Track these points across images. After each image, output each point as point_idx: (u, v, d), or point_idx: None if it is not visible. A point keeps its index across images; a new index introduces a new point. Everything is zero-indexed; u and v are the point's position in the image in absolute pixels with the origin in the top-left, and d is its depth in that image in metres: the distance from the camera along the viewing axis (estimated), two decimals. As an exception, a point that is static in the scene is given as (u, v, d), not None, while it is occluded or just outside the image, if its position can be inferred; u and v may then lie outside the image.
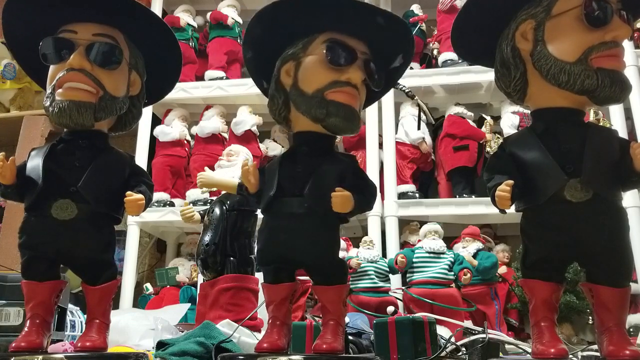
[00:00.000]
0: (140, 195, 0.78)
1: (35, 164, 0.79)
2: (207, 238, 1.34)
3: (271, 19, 0.82)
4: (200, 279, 1.45)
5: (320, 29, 0.81)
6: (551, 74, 0.74)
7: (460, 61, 2.19)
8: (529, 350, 0.79)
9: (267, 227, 0.81)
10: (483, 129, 2.22)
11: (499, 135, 2.18)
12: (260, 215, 0.84)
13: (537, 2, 0.76)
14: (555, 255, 0.73)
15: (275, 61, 0.84)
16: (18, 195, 0.79)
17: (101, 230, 0.80)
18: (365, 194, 0.79)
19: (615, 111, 2.03)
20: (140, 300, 2.20)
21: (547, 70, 0.74)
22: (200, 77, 2.51)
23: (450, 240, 1.99)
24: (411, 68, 2.41)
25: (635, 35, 2.19)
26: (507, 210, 0.73)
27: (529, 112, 0.83)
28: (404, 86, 0.88)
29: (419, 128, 0.98)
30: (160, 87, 0.96)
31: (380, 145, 2.23)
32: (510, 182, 0.70)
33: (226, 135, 2.37)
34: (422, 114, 0.95)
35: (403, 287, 1.76)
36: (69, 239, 0.77)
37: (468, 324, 1.44)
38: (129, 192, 0.78)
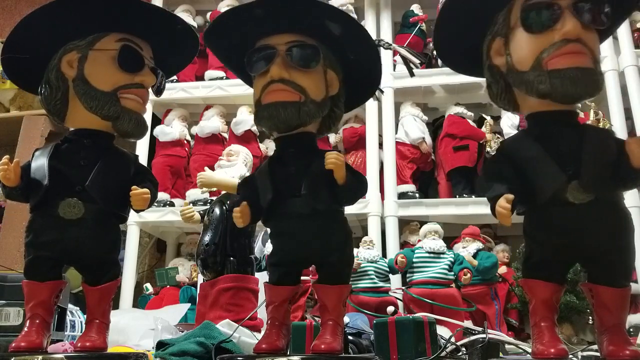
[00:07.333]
0: (145, 189, 0.79)
1: (40, 163, 0.79)
2: (207, 238, 1.34)
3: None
4: (200, 279, 1.45)
5: None
6: (516, 85, 0.75)
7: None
8: (529, 350, 0.79)
9: (278, 231, 0.81)
10: (483, 129, 2.22)
11: (499, 135, 2.18)
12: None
13: (497, 18, 0.77)
14: (559, 257, 0.72)
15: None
16: (23, 196, 0.79)
17: (108, 229, 0.81)
18: (357, 179, 0.80)
19: (615, 111, 2.02)
20: (140, 300, 2.20)
21: (513, 82, 0.75)
22: (200, 77, 2.51)
23: (450, 240, 1.99)
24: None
25: (635, 35, 2.19)
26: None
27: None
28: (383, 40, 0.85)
29: (412, 73, 0.95)
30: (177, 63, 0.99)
31: (380, 145, 2.23)
32: (510, 197, 0.69)
33: (226, 135, 2.37)
34: (407, 60, 0.93)
35: (403, 287, 1.76)
36: (76, 238, 0.77)
37: (468, 324, 1.44)
38: (134, 187, 0.78)
